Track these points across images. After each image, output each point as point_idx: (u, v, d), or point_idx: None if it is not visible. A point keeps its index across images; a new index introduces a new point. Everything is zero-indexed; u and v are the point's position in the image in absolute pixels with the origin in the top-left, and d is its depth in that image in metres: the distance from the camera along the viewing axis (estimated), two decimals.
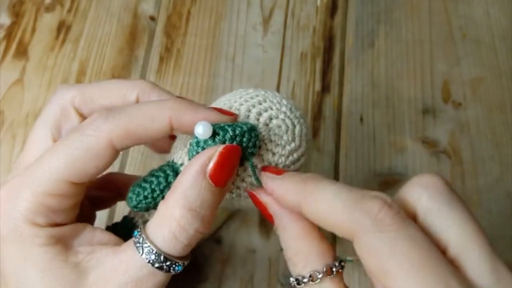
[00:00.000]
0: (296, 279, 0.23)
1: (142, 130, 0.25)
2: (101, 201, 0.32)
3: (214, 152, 0.24)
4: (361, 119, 0.43)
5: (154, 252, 0.24)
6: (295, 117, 0.28)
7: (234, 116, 0.26)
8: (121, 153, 0.43)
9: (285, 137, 0.27)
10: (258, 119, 0.27)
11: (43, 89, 0.44)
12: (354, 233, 0.21)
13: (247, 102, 0.27)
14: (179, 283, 0.35)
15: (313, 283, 0.23)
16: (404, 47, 0.47)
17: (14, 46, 0.46)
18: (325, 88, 0.45)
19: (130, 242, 0.25)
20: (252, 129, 0.25)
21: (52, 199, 0.24)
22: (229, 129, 0.25)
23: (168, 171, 0.26)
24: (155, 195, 0.26)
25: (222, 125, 0.25)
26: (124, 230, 0.27)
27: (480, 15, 0.48)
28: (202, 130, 0.24)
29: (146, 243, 0.24)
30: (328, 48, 0.47)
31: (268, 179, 0.25)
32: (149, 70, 0.45)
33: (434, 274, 0.19)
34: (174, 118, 0.25)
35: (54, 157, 0.25)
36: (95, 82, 0.27)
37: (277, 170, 0.26)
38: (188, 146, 0.26)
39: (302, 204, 0.23)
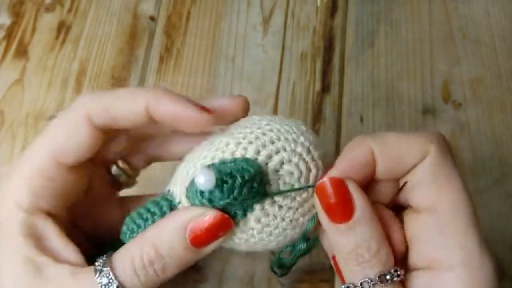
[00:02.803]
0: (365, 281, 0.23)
1: (118, 110, 0.25)
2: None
3: (203, 216, 0.24)
4: (361, 119, 0.43)
5: (109, 277, 0.23)
6: (312, 159, 0.25)
7: (210, 113, 0.25)
8: None
9: (296, 186, 0.24)
10: (267, 164, 0.24)
11: (43, 89, 0.44)
12: (428, 149, 0.23)
13: (257, 139, 0.24)
14: (179, 283, 0.35)
15: (382, 284, 0.23)
16: (404, 47, 0.46)
17: (14, 46, 0.46)
18: (325, 88, 0.45)
19: (93, 266, 0.24)
20: (260, 172, 0.23)
21: (37, 179, 0.25)
22: (238, 176, 0.23)
23: (164, 208, 0.25)
24: None
25: (229, 170, 0.23)
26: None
27: (480, 15, 0.48)
28: (203, 180, 0.22)
29: (106, 266, 0.24)
30: (328, 48, 0.47)
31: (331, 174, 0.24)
32: (149, 70, 0.45)
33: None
34: (151, 104, 0.25)
35: (39, 137, 0.26)
36: (110, 90, 0.27)
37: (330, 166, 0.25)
38: (186, 183, 0.24)
39: (375, 146, 0.24)
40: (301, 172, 0.24)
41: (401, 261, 0.24)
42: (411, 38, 0.47)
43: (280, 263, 0.29)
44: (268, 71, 0.45)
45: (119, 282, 0.24)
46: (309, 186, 0.25)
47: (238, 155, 0.24)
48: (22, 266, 0.24)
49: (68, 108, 0.26)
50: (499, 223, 0.39)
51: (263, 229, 0.25)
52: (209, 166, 0.23)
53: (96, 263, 0.24)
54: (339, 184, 0.23)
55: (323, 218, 0.24)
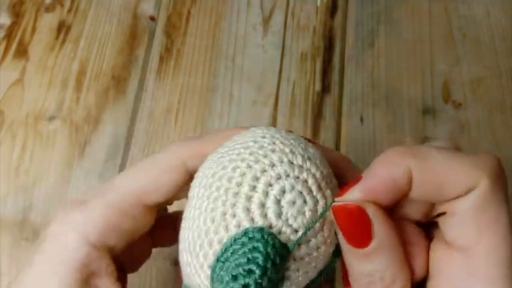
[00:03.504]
0: None
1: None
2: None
3: None
4: (361, 119, 0.43)
5: None
6: (319, 188, 0.21)
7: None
8: (121, 153, 0.42)
9: (299, 220, 0.20)
10: (267, 194, 0.20)
11: (43, 89, 0.44)
12: (477, 183, 0.20)
13: (257, 163, 0.21)
14: (179, 283, 0.35)
15: None
16: (404, 47, 0.46)
17: (14, 46, 0.46)
18: (325, 88, 0.45)
19: None
20: (278, 244, 0.19)
21: (116, 216, 0.24)
22: (258, 270, 0.18)
23: None
24: None
25: (246, 267, 0.19)
26: None
27: (480, 15, 0.48)
28: None
29: None
30: (328, 48, 0.47)
31: (354, 191, 0.21)
32: (149, 70, 0.45)
33: None
34: None
35: (125, 175, 0.25)
36: (200, 137, 0.26)
37: (356, 179, 0.21)
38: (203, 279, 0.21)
39: (415, 168, 0.20)
40: (304, 202, 0.21)
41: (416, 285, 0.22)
42: (411, 38, 0.47)
43: None
44: (268, 71, 0.45)
45: None
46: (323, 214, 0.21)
47: (245, 223, 0.20)
48: None
49: (161, 151, 0.26)
50: None
51: (296, 283, 0.21)
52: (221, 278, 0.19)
53: None
54: (358, 212, 0.20)
55: (339, 235, 0.21)
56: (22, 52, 0.46)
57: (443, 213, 0.22)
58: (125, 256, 0.27)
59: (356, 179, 0.21)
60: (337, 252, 0.22)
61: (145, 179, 0.25)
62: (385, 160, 0.21)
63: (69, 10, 0.48)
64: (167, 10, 0.48)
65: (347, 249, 0.21)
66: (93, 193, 0.25)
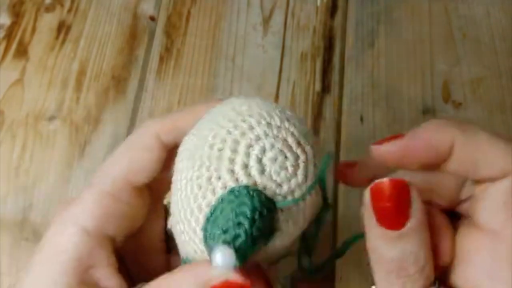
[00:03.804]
0: None
1: (185, 123, 0.25)
2: None
3: (225, 278, 0.20)
4: (361, 119, 0.43)
5: None
6: (298, 144, 0.22)
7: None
8: None
9: (282, 175, 0.21)
10: (248, 154, 0.21)
11: (43, 89, 0.44)
12: (510, 171, 0.20)
13: (236, 128, 0.21)
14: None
15: None
16: (404, 47, 0.46)
17: (14, 46, 0.46)
18: (325, 88, 0.45)
19: None
20: (265, 199, 0.20)
21: (107, 200, 0.25)
22: (248, 226, 0.19)
23: None
24: None
25: (236, 221, 0.19)
26: None
27: (480, 15, 0.48)
28: (221, 262, 0.19)
29: None
30: (328, 48, 0.47)
31: (396, 141, 0.21)
32: (149, 70, 0.45)
33: None
34: None
35: (109, 160, 0.26)
36: (174, 111, 0.27)
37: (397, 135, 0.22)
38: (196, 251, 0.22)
39: (458, 139, 0.21)
40: (286, 158, 0.21)
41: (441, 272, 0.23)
42: (411, 38, 0.47)
43: (306, 247, 0.26)
44: (268, 71, 0.45)
45: None
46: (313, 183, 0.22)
47: (231, 184, 0.21)
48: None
49: (135, 131, 0.27)
50: None
51: (288, 233, 0.22)
52: (220, 242, 0.20)
53: None
54: (402, 188, 0.20)
55: (369, 218, 0.21)
56: (22, 52, 0.46)
57: (469, 197, 0.22)
58: (132, 261, 0.27)
59: (396, 135, 0.21)
60: (326, 204, 0.23)
61: (127, 162, 0.25)
62: (431, 126, 0.21)
63: (69, 10, 0.48)
64: (167, 10, 0.48)
65: (377, 234, 0.21)
66: (88, 186, 0.26)
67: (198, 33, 0.47)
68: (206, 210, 0.21)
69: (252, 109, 0.22)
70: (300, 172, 0.21)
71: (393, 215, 0.20)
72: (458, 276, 0.22)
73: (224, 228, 0.19)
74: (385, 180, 0.21)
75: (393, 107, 0.44)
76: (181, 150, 0.23)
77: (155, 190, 0.27)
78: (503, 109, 0.43)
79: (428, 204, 0.22)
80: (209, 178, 0.21)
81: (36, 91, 0.44)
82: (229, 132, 0.21)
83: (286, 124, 0.22)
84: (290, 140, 0.22)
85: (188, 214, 0.22)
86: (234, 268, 0.19)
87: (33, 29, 0.47)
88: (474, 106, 0.44)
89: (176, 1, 0.49)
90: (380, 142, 0.22)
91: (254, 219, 0.19)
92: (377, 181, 0.21)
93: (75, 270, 0.23)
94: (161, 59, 0.46)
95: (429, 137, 0.21)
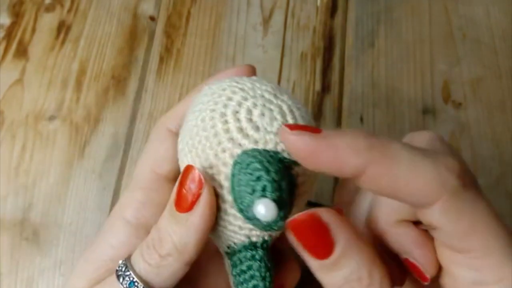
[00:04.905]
0: None
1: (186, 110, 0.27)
2: None
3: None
4: (361, 119, 0.43)
5: (133, 280, 0.23)
6: (276, 97, 0.24)
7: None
8: (121, 153, 0.42)
9: (275, 124, 0.23)
10: (238, 119, 0.23)
11: (43, 89, 0.44)
12: (439, 195, 0.20)
13: (217, 104, 0.23)
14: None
15: None
16: (404, 47, 0.46)
17: (14, 46, 0.46)
18: (325, 88, 0.45)
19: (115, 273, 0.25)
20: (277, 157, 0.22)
21: (140, 191, 0.27)
22: (281, 177, 0.21)
23: (257, 257, 0.23)
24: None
25: (274, 176, 0.21)
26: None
27: (480, 15, 0.48)
28: (264, 211, 0.21)
29: (128, 271, 0.24)
30: (328, 48, 0.47)
31: (306, 136, 0.20)
32: (149, 70, 0.45)
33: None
34: None
35: (141, 156, 0.29)
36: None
37: (314, 129, 0.20)
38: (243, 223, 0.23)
39: (371, 167, 0.19)
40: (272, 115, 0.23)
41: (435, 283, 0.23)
42: (411, 38, 0.47)
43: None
44: (268, 71, 0.45)
45: (144, 282, 0.23)
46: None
47: (237, 151, 0.22)
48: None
49: (152, 130, 0.30)
50: None
51: (308, 185, 0.24)
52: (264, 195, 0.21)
53: (118, 268, 0.24)
54: (314, 220, 0.20)
55: (302, 252, 0.20)
56: (22, 52, 0.46)
57: (421, 224, 0.22)
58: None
59: (314, 129, 0.20)
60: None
61: (151, 155, 0.28)
62: (346, 140, 0.20)
63: (69, 10, 0.48)
64: (167, 10, 0.48)
65: (315, 265, 0.20)
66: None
67: (198, 33, 0.47)
68: (226, 184, 0.22)
69: (222, 85, 0.24)
70: (289, 118, 0.23)
71: (318, 246, 0.20)
72: (449, 285, 0.22)
73: (249, 191, 0.21)
74: (296, 216, 0.20)
75: (393, 107, 0.44)
76: (182, 129, 0.26)
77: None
78: (503, 109, 0.43)
79: (401, 221, 0.23)
80: (216, 154, 0.22)
81: (36, 91, 0.44)
82: (212, 110, 0.23)
83: (257, 84, 0.24)
84: (267, 95, 0.24)
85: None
86: (279, 215, 0.21)
87: (33, 29, 0.47)
88: (474, 106, 0.44)
89: (176, 1, 0.49)
90: (292, 128, 0.20)
91: (268, 170, 0.21)
92: (291, 218, 0.20)
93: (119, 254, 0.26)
94: (161, 59, 0.46)
95: (336, 152, 0.20)
